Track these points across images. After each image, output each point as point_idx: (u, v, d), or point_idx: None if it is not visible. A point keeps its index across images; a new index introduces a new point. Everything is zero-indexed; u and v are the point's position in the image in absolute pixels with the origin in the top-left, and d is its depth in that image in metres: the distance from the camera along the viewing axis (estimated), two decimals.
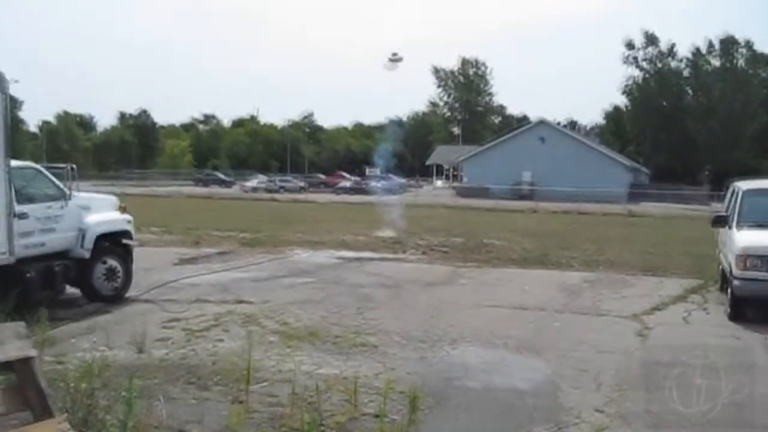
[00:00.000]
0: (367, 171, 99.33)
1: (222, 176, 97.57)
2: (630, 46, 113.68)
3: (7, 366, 5.51)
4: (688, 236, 28.34)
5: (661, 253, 24.04)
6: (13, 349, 5.42)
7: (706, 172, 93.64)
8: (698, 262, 20.38)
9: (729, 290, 13.75)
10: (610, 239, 28.75)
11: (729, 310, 13.57)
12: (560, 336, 11.96)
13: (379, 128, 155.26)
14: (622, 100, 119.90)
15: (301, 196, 67.51)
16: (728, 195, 16.77)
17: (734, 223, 14.35)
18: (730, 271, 13.65)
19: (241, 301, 14.16)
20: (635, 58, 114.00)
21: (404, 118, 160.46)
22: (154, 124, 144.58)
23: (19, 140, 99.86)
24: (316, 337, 11.17)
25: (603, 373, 9.69)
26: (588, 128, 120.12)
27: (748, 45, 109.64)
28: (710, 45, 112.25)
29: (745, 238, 13.46)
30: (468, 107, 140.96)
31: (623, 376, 9.59)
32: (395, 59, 27.55)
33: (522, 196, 65.36)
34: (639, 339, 11.85)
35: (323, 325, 12.09)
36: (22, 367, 5.51)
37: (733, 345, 11.50)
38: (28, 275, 12.27)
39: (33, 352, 5.62)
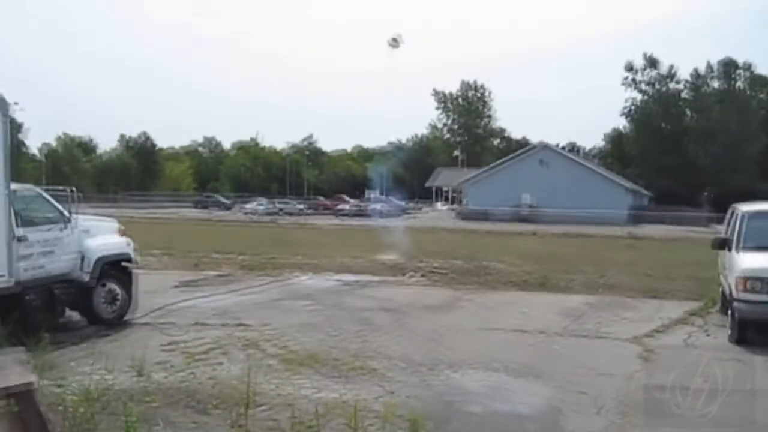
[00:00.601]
0: (367, 194, 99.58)
1: (221, 199, 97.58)
2: (630, 68, 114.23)
3: (8, 392, 5.50)
4: (689, 258, 28.27)
5: (661, 275, 23.96)
6: (14, 375, 5.43)
7: (707, 194, 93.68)
8: (699, 285, 20.34)
9: (730, 313, 13.72)
10: (611, 262, 28.68)
11: (731, 332, 13.53)
12: (561, 359, 11.93)
13: (381, 152, 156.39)
14: (623, 123, 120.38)
15: (302, 219, 67.49)
16: (728, 217, 16.77)
17: (735, 246, 14.33)
18: (731, 293, 13.62)
19: (240, 325, 14.14)
20: (634, 81, 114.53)
21: (405, 142, 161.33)
22: (154, 146, 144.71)
23: (20, 163, 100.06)
24: (316, 360, 11.14)
25: (604, 396, 9.66)
26: (588, 151, 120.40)
27: (747, 68, 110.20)
28: (710, 68, 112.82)
29: (746, 261, 13.44)
30: (469, 130, 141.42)
31: (624, 400, 9.55)
32: (395, 44, 27.31)
33: (522, 219, 65.44)
34: (640, 362, 11.81)
35: (323, 349, 12.06)
36: (22, 393, 5.51)
37: (735, 368, 11.43)
38: (27, 298, 12.28)
39: (33, 379, 5.62)
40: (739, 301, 13.07)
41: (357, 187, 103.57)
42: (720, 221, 25.14)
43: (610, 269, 25.50)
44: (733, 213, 16.00)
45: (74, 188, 14.40)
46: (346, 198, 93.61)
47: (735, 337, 13.27)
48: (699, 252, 25.72)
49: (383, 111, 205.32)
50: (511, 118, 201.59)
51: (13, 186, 12.15)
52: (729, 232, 15.54)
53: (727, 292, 14.37)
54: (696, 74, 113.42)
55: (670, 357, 12.18)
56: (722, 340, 13.59)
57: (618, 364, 11.61)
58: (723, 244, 15.28)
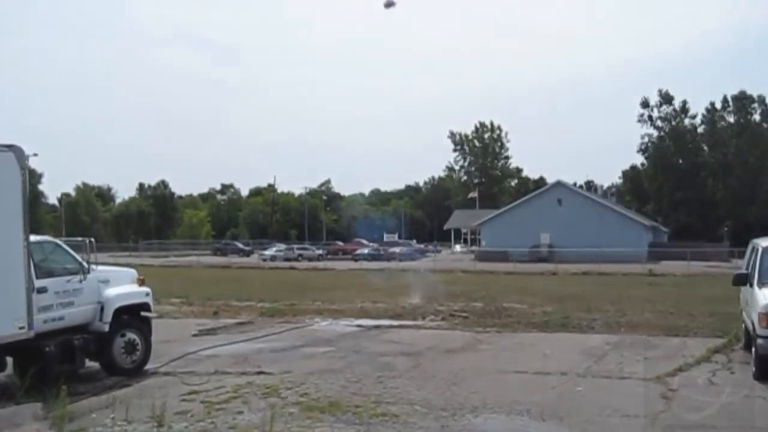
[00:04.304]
0: (386, 237, 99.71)
1: (240, 245, 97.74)
2: (645, 105, 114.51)
3: None
4: (710, 295, 28.10)
5: (683, 312, 23.80)
6: (31, 431, 5.43)
7: (726, 229, 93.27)
8: (721, 321, 20.18)
9: (754, 349, 13.55)
10: (632, 300, 28.53)
11: (754, 369, 13.36)
12: (584, 401, 11.80)
13: (398, 194, 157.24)
14: (638, 159, 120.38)
15: (320, 264, 67.49)
16: (748, 252, 16.64)
17: (756, 281, 14.18)
18: (754, 329, 13.47)
19: (260, 372, 14.09)
20: (650, 117, 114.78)
21: (422, 184, 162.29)
22: (172, 194, 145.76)
23: (38, 213, 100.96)
24: (336, 407, 11.06)
25: None
26: (605, 188, 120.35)
27: (762, 101, 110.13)
28: (725, 102, 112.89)
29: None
30: (485, 171, 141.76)
31: None
32: (389, 3, 27.75)
33: (541, 259, 65.20)
34: (664, 402, 11.65)
35: (344, 395, 11.99)
36: None
37: (760, 406, 11.30)
38: (47, 349, 12.31)
39: None
40: (762, 337, 12.90)
41: (375, 230, 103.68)
42: (740, 255, 24.97)
43: (631, 307, 25.38)
44: (753, 248, 15.86)
45: (92, 238, 14.52)
46: (364, 242, 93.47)
47: (759, 374, 13.09)
48: (720, 288, 25.54)
49: (400, 154, 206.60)
50: (527, 157, 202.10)
51: (32, 238, 12.27)
52: (749, 268, 15.39)
53: (750, 328, 14.21)
54: (712, 108, 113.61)
55: (694, 396, 12.03)
56: (747, 377, 13.41)
57: (642, 404, 11.47)
58: (744, 279, 15.13)
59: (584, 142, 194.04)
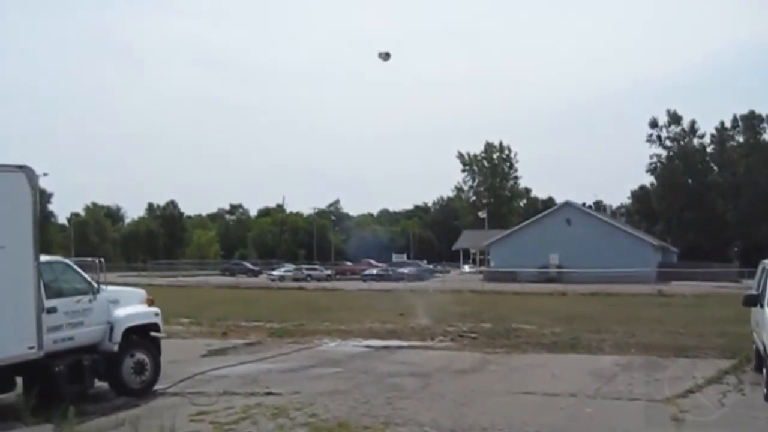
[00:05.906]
0: (394, 257, 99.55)
1: (249, 265, 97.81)
2: (654, 125, 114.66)
3: None
4: (721, 315, 27.97)
5: (693, 333, 23.69)
6: None
7: (735, 249, 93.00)
8: (732, 342, 20.06)
9: (765, 370, 13.48)
10: (641, 321, 28.43)
11: (766, 391, 13.28)
12: (593, 422, 11.76)
13: (406, 215, 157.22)
14: (647, 179, 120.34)
15: (329, 285, 67.32)
16: (758, 273, 16.58)
17: (766, 302, 14.13)
18: (765, 350, 13.41)
19: (269, 393, 14.06)
20: (659, 137, 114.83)
21: (431, 204, 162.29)
22: (181, 214, 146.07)
23: (48, 233, 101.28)
24: (345, 428, 11.04)
25: None
26: (614, 208, 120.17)
27: None
28: (734, 121, 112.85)
29: None
30: (493, 191, 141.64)
31: None
32: (385, 57, 28.43)
33: (550, 279, 65.00)
34: (674, 423, 11.60)
35: (353, 416, 11.95)
36: None
37: None
38: (57, 369, 12.34)
39: None
40: None
41: (383, 250, 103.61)
42: (751, 276, 24.87)
43: (640, 328, 25.28)
44: (763, 269, 15.81)
45: (102, 258, 14.56)
46: (373, 262, 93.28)
47: None
48: (730, 308, 25.44)
49: (408, 174, 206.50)
50: (536, 178, 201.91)
51: (42, 258, 12.32)
52: (760, 288, 15.34)
53: (761, 349, 14.15)
54: (721, 128, 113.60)
55: (704, 418, 11.97)
56: (758, 398, 13.33)
57: (651, 426, 11.44)
58: (754, 300, 15.08)
59: (593, 162, 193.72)
